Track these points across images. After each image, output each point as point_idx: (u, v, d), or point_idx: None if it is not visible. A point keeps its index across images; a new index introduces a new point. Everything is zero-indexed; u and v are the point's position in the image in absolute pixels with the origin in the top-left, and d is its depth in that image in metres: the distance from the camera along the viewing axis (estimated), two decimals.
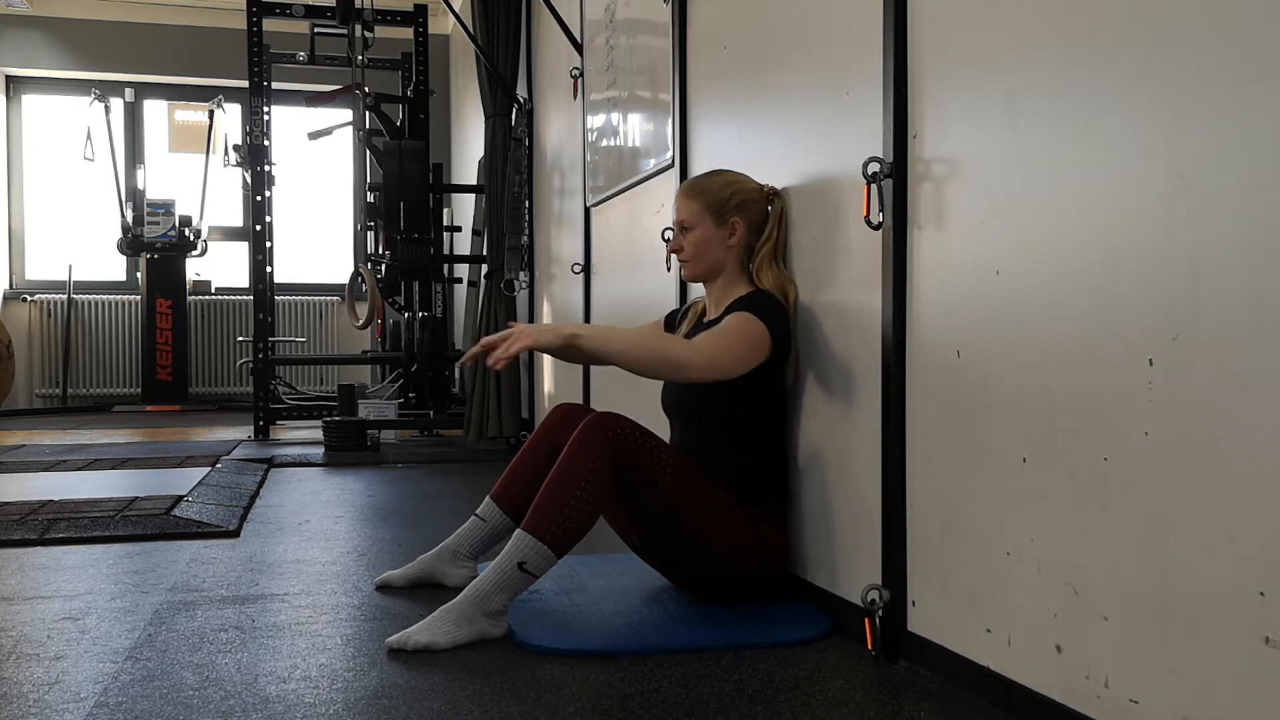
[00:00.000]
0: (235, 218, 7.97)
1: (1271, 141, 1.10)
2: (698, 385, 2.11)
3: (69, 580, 2.38)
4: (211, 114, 7.72)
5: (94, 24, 7.61)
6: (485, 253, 5.02)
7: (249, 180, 6.12)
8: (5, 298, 7.61)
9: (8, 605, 2.16)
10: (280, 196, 6.23)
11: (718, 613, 2.02)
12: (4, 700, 1.59)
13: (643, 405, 2.79)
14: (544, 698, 1.60)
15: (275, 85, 6.16)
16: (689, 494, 1.97)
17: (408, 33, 6.37)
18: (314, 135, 5.82)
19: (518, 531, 1.90)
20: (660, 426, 2.21)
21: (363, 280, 5.50)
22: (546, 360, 4.79)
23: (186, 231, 7.42)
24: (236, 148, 7.07)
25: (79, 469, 4.13)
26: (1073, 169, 1.39)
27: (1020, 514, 1.49)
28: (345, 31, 5.52)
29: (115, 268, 7.88)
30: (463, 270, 6.62)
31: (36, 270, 7.83)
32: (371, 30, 5.48)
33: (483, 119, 4.94)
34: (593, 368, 3.96)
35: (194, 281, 7.71)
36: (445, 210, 6.21)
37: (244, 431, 5.68)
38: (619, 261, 3.62)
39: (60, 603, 2.18)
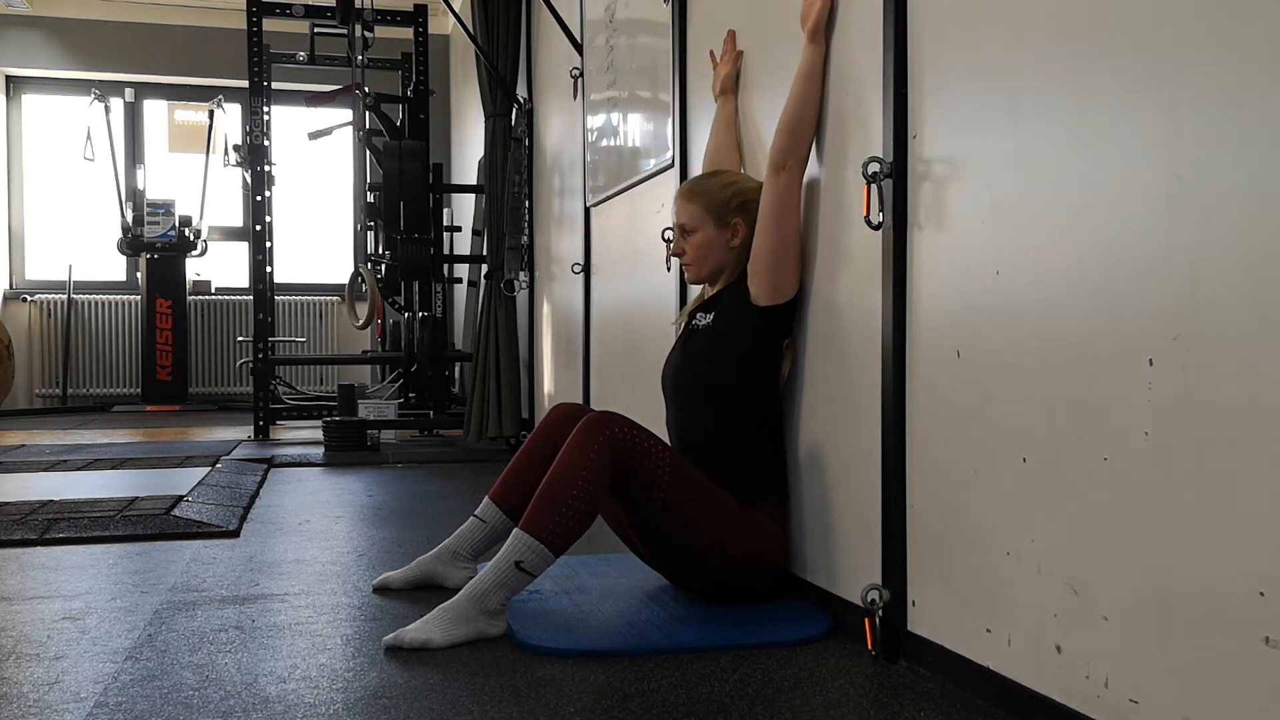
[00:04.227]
0: (235, 218, 7.97)
1: (1271, 141, 1.10)
2: (695, 361, 2.13)
3: (69, 580, 2.38)
4: (211, 114, 7.72)
5: (94, 24, 7.61)
6: (485, 253, 5.02)
7: (249, 180, 6.13)
8: (5, 298, 7.61)
9: (8, 605, 2.16)
10: (280, 196, 6.23)
11: (718, 613, 2.02)
12: (4, 700, 1.59)
13: (642, 406, 2.80)
14: (544, 698, 1.60)
15: (275, 85, 6.16)
16: (687, 492, 1.97)
17: (408, 33, 6.37)
18: (314, 135, 5.82)
19: (515, 531, 1.90)
20: (659, 426, 2.21)
21: (363, 280, 5.50)
22: (546, 360, 4.79)
23: (186, 231, 7.42)
24: (236, 148, 7.07)
25: (79, 469, 4.12)
26: (1073, 169, 1.39)
27: (1020, 514, 1.49)
28: (345, 31, 5.53)
29: (115, 268, 7.88)
30: (463, 270, 6.62)
31: (36, 270, 7.83)
32: (371, 30, 5.48)
33: (483, 119, 4.95)
34: (592, 367, 3.97)
35: (194, 281, 7.71)
36: (445, 210, 6.21)
37: (244, 431, 5.68)
38: (619, 261, 3.62)
39: (60, 603, 2.18)
